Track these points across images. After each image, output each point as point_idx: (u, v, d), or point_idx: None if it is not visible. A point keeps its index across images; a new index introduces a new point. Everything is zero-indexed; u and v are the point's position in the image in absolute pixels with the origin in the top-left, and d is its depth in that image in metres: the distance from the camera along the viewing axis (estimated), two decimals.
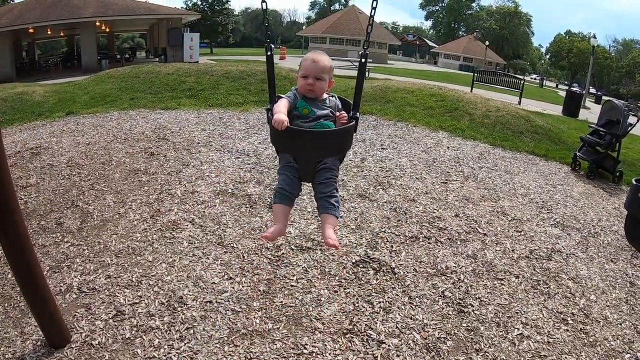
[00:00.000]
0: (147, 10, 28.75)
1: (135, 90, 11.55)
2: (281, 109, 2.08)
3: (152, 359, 2.88)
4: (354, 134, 2.25)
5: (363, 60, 2.36)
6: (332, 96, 2.35)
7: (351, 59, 27.08)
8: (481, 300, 3.76)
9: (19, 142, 7.34)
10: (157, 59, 29.27)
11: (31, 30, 26.67)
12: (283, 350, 3.06)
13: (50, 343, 2.96)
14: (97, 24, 28.59)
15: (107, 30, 34.24)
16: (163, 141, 7.23)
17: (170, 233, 4.46)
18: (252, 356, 2.99)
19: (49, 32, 30.96)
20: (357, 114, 2.26)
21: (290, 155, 2.16)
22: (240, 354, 3.01)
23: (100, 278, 3.73)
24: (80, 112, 9.79)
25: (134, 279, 3.71)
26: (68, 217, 4.81)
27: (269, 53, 2.33)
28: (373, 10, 2.29)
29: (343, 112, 2.27)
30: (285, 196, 2.07)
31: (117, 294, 3.51)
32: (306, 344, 3.12)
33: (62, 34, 33.81)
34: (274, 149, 2.33)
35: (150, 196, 5.25)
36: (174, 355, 2.93)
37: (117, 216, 4.81)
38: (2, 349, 2.97)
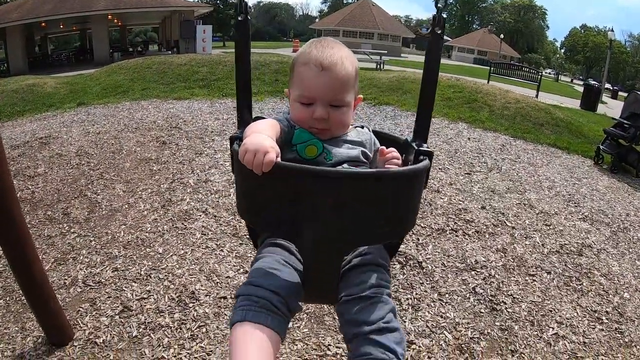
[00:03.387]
0: (159, 3, 28.66)
1: (147, 81, 11.43)
2: (262, 130, 1.11)
3: (160, 359, 2.66)
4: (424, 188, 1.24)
5: (439, 30, 1.34)
6: (360, 126, 1.42)
7: (366, 51, 26.75)
8: (514, 297, 3.51)
9: (28, 132, 7.21)
10: (170, 52, 29.16)
11: (43, 25, 26.76)
12: (304, 351, 2.82)
13: (51, 341, 2.76)
14: (109, 17, 28.56)
15: (119, 24, 34.28)
16: (175, 130, 7.03)
17: (182, 223, 4.25)
18: None
19: (62, 27, 31.07)
20: (425, 145, 1.29)
21: (286, 242, 1.19)
22: None
23: (107, 271, 3.52)
24: (91, 103, 9.68)
25: (142, 272, 3.50)
26: (75, 207, 4.63)
27: (239, 18, 1.38)
28: None
29: (391, 149, 1.35)
30: (268, 307, 0.98)
31: (124, 288, 3.30)
32: (329, 345, 2.87)
33: (74, 28, 33.89)
34: (248, 233, 1.45)
35: (162, 185, 5.05)
36: (185, 356, 2.70)
37: (126, 206, 4.61)
38: (1, 345, 2.77)
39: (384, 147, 1.34)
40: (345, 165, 1.25)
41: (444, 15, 1.35)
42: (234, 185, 1.21)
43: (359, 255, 1.15)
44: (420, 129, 1.32)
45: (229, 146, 1.25)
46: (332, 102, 1.25)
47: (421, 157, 1.24)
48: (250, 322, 0.93)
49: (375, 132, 1.44)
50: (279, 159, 1.01)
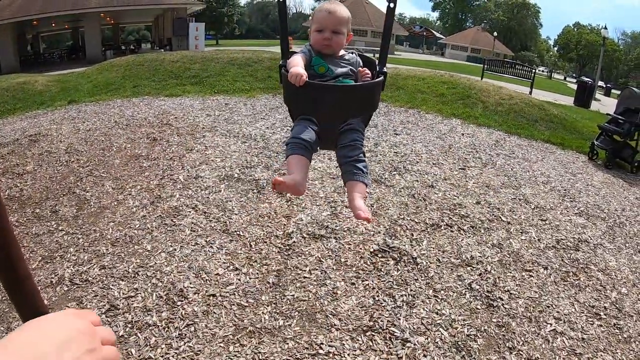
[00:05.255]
0: (152, 1, 28.45)
1: (139, 78, 11.29)
2: (298, 63, 1.79)
3: (147, 359, 2.57)
4: (381, 92, 1.94)
5: (392, 4, 1.95)
6: (351, 52, 2.08)
7: (360, 48, 26.75)
8: (510, 293, 3.44)
9: (18, 130, 7.09)
10: (163, 50, 28.97)
11: (35, 23, 26.49)
12: (296, 350, 2.74)
13: None
14: (102, 15, 28.34)
15: (112, 22, 34.01)
16: (166, 126, 6.92)
17: (171, 220, 4.16)
18: (260, 357, 2.68)
19: (53, 25, 30.76)
20: (385, 69, 2.00)
21: (309, 117, 1.85)
22: (247, 354, 2.70)
23: (94, 269, 3.43)
24: (82, 100, 9.53)
25: (130, 270, 3.41)
26: (64, 204, 4.54)
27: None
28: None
29: (365, 69, 2.02)
30: (303, 146, 1.74)
31: (111, 287, 3.21)
32: (322, 343, 2.80)
33: (66, 27, 33.60)
34: (288, 111, 2.02)
35: (151, 182, 4.96)
36: (172, 356, 2.62)
37: (115, 203, 4.51)
38: None
39: (362, 68, 1.99)
40: (340, 78, 1.89)
41: None
42: (283, 90, 1.90)
43: (347, 124, 1.79)
44: (381, 59, 2.02)
45: (279, 70, 1.95)
46: (334, 29, 1.88)
47: (380, 76, 1.91)
48: (293, 154, 1.66)
49: (361, 55, 2.09)
50: (306, 79, 1.67)
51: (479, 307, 3.24)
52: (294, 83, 1.69)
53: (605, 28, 31.86)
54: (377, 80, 1.89)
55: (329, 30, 1.90)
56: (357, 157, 1.73)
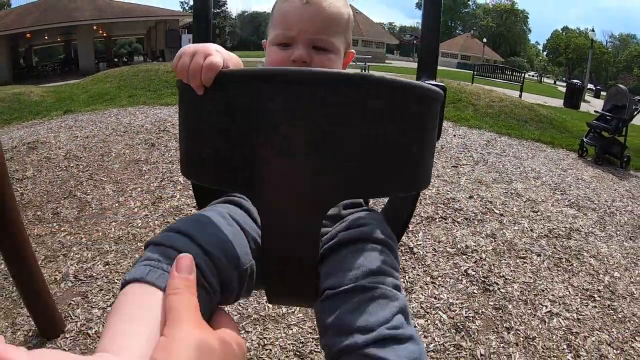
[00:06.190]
0: (144, 12, 28.65)
1: (133, 88, 11.40)
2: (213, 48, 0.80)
3: None
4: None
5: None
6: None
7: None
8: (506, 279, 3.55)
9: (16, 138, 7.15)
10: (155, 62, 29.11)
11: (28, 36, 26.62)
12: (300, 335, 2.82)
13: (42, 334, 2.73)
14: (94, 27, 28.48)
15: (104, 35, 34.13)
16: (164, 133, 7.02)
17: (173, 218, 4.23)
18: (266, 342, 2.76)
19: (46, 38, 30.89)
20: (435, 81, 0.96)
21: (242, 198, 0.93)
22: (252, 340, 2.77)
23: (98, 265, 3.50)
24: (78, 110, 9.62)
25: None
26: (65, 206, 4.60)
27: None
28: None
29: None
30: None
31: (115, 281, 3.28)
32: None
33: (59, 39, 33.71)
34: (195, 197, 1.14)
35: (152, 184, 5.04)
36: None
37: (116, 204, 4.59)
38: None
39: None
40: None
41: None
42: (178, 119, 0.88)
43: (348, 227, 0.78)
44: (427, 65, 0.97)
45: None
46: (316, 42, 0.94)
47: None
48: (149, 285, 0.59)
49: None
50: (223, 67, 0.73)
51: (475, 291, 3.34)
52: (186, 79, 0.78)
53: (593, 30, 32.27)
54: (430, 86, 0.81)
55: (303, 42, 0.95)
56: (386, 332, 0.67)
